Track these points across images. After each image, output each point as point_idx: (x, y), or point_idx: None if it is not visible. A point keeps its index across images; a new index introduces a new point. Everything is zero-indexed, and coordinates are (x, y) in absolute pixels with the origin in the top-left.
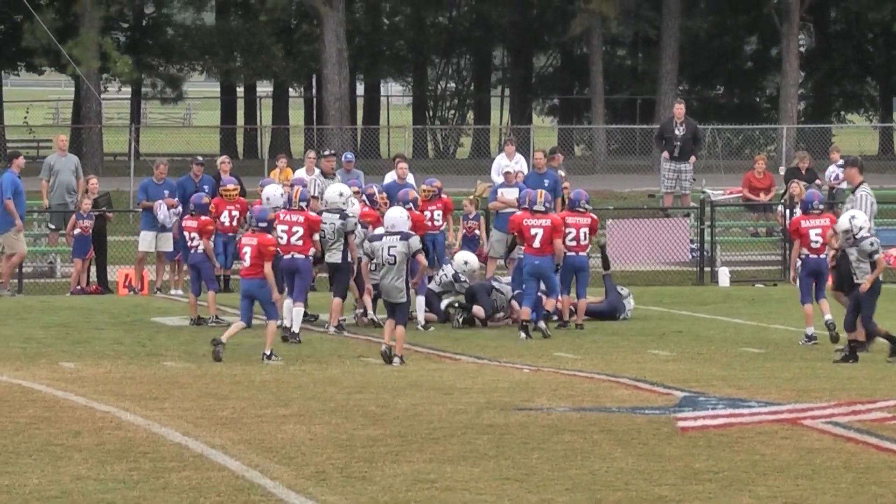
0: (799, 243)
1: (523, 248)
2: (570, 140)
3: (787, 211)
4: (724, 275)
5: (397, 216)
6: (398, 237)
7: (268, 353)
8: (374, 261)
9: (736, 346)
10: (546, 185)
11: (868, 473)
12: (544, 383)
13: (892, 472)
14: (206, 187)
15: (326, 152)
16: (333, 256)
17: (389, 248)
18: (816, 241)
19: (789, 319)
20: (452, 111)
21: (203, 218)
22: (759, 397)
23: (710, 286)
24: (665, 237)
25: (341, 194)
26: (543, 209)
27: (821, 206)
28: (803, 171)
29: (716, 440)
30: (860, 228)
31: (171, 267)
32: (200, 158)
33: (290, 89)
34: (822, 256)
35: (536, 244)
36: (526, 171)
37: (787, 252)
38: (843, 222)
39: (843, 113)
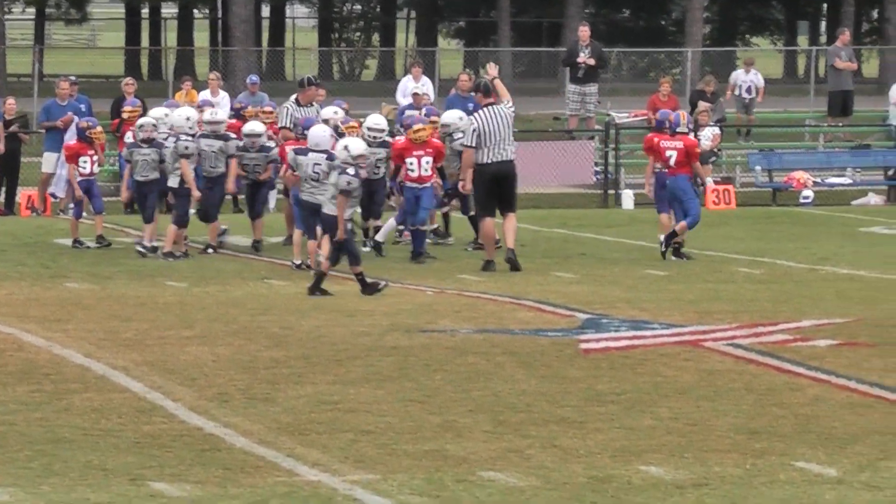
0: (653, 159)
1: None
2: (476, 63)
3: (693, 134)
4: (627, 197)
5: (321, 134)
6: (324, 156)
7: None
8: (298, 173)
9: (640, 269)
10: (471, 108)
11: (769, 395)
12: (448, 305)
13: (792, 393)
14: (82, 107)
15: (314, 80)
16: (172, 181)
17: (314, 164)
18: (671, 157)
19: (693, 242)
20: (358, 33)
21: (71, 143)
22: (661, 319)
23: (615, 209)
24: (570, 160)
25: (188, 118)
26: (686, 131)
27: (678, 129)
28: (709, 95)
29: (618, 362)
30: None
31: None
32: (73, 78)
33: (195, 11)
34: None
35: (672, 164)
36: (432, 94)
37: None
38: (340, 149)
39: (748, 36)
